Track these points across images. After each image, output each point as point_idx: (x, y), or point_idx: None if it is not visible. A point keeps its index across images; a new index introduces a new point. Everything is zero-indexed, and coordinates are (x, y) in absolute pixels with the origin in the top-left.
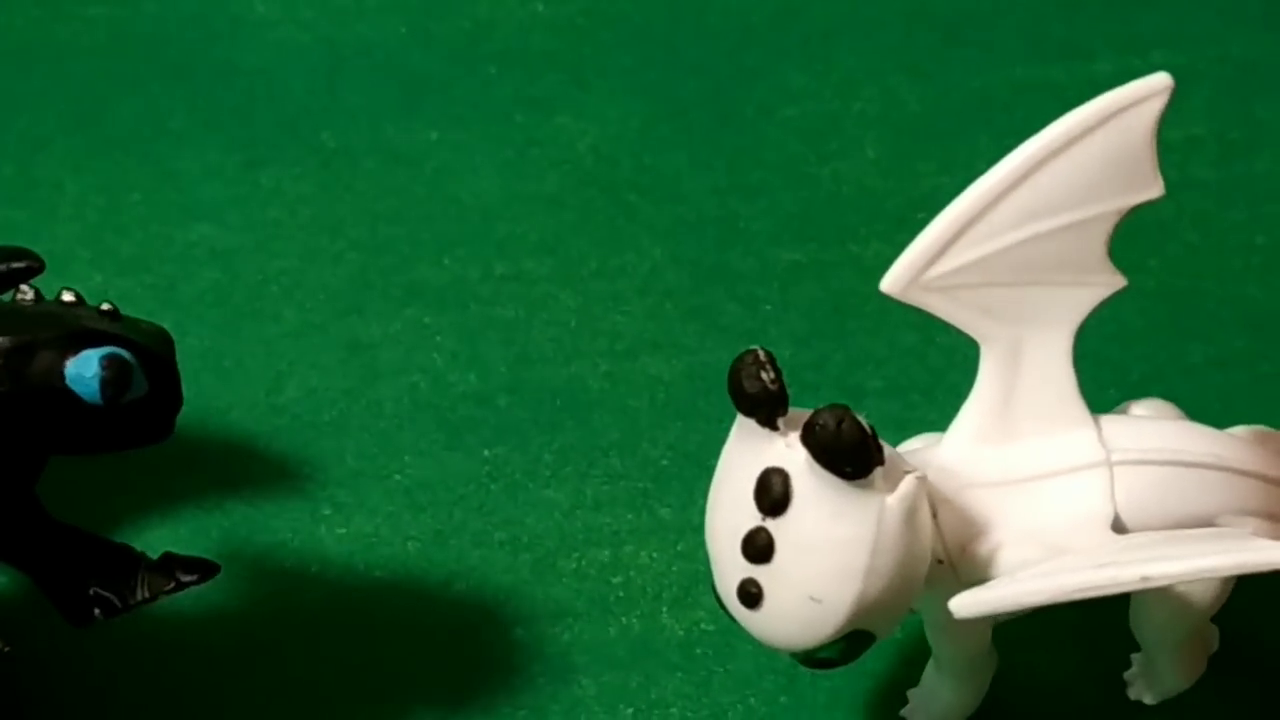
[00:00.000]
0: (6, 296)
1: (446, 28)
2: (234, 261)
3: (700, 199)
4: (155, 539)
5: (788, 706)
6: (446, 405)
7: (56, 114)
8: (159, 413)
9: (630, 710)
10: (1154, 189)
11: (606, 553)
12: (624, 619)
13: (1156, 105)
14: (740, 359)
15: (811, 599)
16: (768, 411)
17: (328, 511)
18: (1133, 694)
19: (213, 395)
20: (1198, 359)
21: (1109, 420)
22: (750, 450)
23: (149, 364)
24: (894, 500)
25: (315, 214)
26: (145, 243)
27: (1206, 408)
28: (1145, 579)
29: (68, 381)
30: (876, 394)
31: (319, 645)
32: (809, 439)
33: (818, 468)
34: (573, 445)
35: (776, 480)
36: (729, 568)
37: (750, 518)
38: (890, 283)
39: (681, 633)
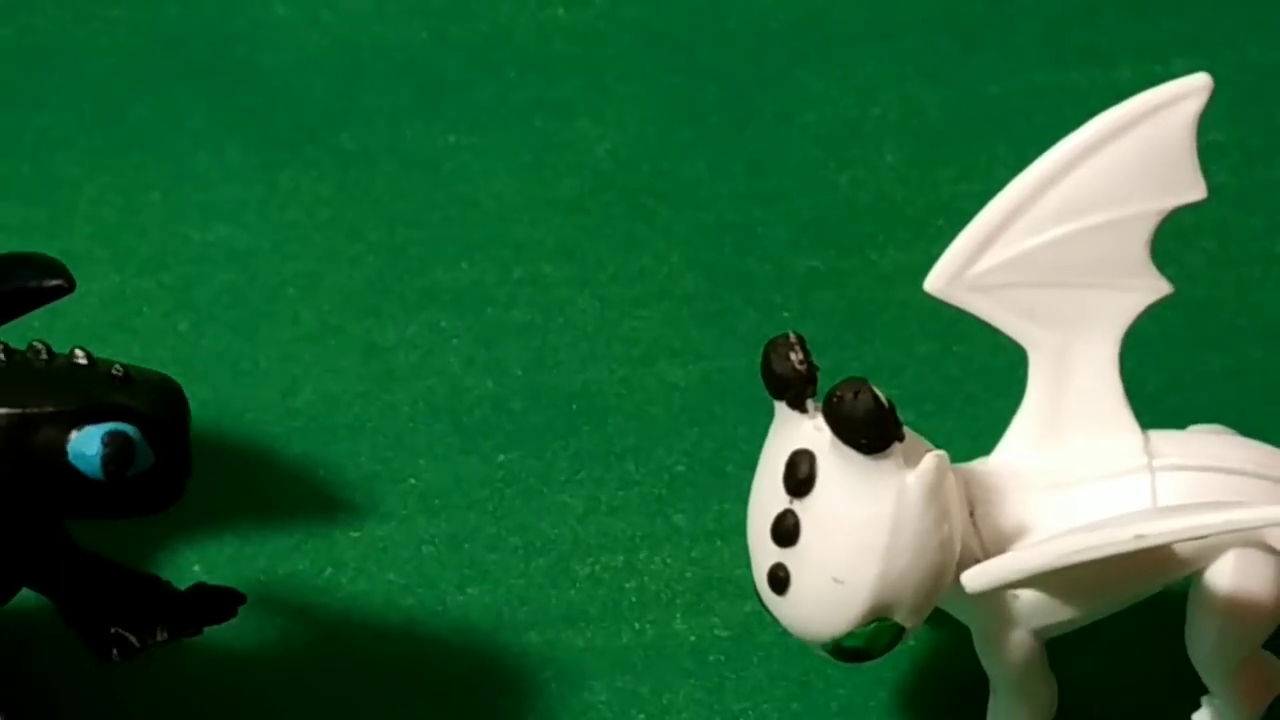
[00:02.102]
0: (26, 311)
1: (466, 31)
2: (251, 263)
3: (718, 205)
4: (169, 542)
5: (799, 714)
6: (462, 409)
7: (75, 114)
8: (166, 482)
9: (642, 716)
10: (1195, 191)
11: (620, 558)
12: (637, 624)
13: (1194, 105)
14: (772, 341)
15: (834, 580)
16: (795, 392)
17: (342, 515)
18: None
19: (228, 397)
20: (1215, 369)
21: (1156, 432)
22: (783, 435)
23: (155, 435)
24: (914, 478)
25: (333, 216)
26: (163, 243)
27: (1223, 418)
28: (1140, 537)
29: (69, 458)
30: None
31: (330, 648)
32: (828, 411)
33: (841, 447)
34: (588, 450)
35: (803, 461)
36: (761, 555)
37: (779, 501)
38: (933, 280)
39: (694, 639)
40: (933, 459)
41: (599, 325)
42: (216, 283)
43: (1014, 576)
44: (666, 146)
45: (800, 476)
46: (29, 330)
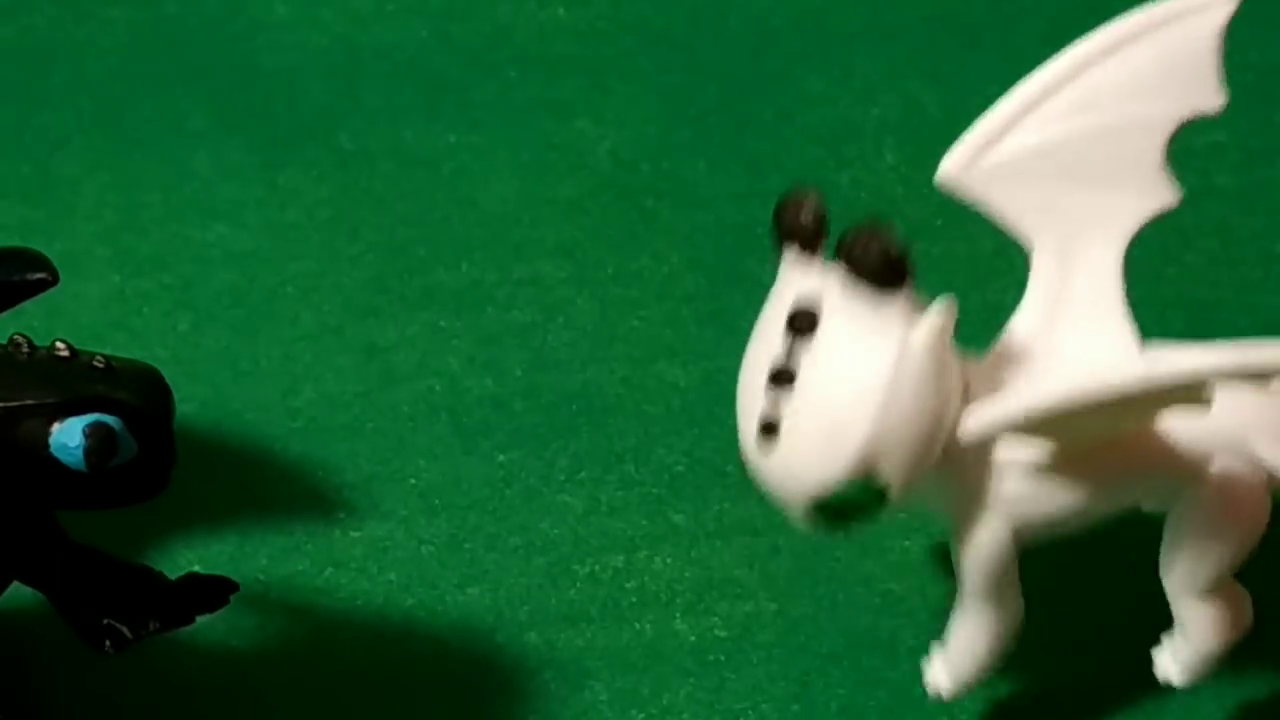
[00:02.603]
0: (10, 306)
1: (466, 31)
2: (251, 263)
3: (719, 204)
4: (167, 541)
5: (799, 714)
6: (462, 409)
7: (75, 113)
8: (151, 472)
9: (642, 716)
10: (1215, 99)
11: (620, 558)
12: (637, 624)
13: (1223, 13)
14: (789, 192)
15: (827, 427)
16: (808, 239)
17: (342, 515)
18: (1160, 672)
19: (228, 397)
20: None
21: (1156, 344)
22: (787, 283)
23: (138, 425)
24: (919, 328)
25: (333, 216)
26: (163, 243)
27: None
28: (1149, 371)
29: (52, 450)
30: None
31: (330, 647)
32: (841, 246)
33: (849, 292)
34: (588, 450)
35: (808, 306)
36: (753, 403)
37: (779, 347)
38: (946, 169)
39: (694, 639)
40: (942, 306)
41: (599, 325)
42: (216, 283)
43: (1014, 417)
44: (667, 146)
45: (804, 321)
46: (27, 329)
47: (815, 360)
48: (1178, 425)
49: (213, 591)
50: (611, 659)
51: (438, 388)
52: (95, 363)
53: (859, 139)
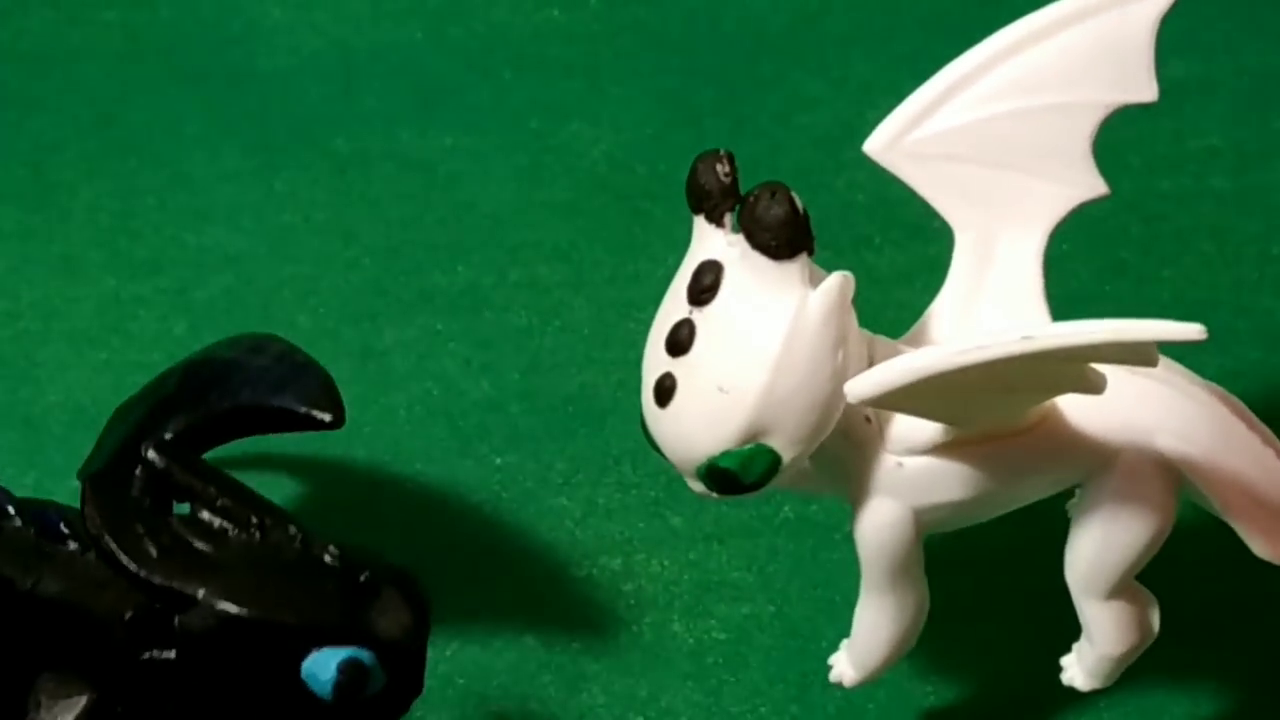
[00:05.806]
0: (285, 431)
1: (462, 33)
2: (247, 266)
3: None
4: None
5: (798, 716)
6: (458, 413)
7: (71, 118)
8: (393, 703)
9: (640, 718)
10: (1146, 92)
11: (618, 561)
12: (635, 627)
13: (1159, 4)
14: (701, 154)
15: (720, 390)
16: (715, 204)
17: (338, 519)
18: (1065, 678)
19: None
20: (1212, 371)
21: None
22: (695, 250)
23: (391, 660)
24: (816, 294)
25: (329, 219)
26: (158, 247)
27: None
28: (1027, 339)
29: (301, 675)
30: None
31: None
32: (743, 210)
33: (749, 256)
34: (585, 453)
35: (709, 271)
36: (652, 367)
37: (680, 312)
38: (873, 142)
39: (692, 641)
40: (838, 277)
41: (595, 328)
42: (213, 286)
43: (898, 380)
44: (663, 148)
45: (704, 285)
46: (24, 333)
47: (711, 324)
48: (1083, 418)
49: None
50: (609, 662)
51: (434, 391)
52: (362, 579)
53: (855, 142)
